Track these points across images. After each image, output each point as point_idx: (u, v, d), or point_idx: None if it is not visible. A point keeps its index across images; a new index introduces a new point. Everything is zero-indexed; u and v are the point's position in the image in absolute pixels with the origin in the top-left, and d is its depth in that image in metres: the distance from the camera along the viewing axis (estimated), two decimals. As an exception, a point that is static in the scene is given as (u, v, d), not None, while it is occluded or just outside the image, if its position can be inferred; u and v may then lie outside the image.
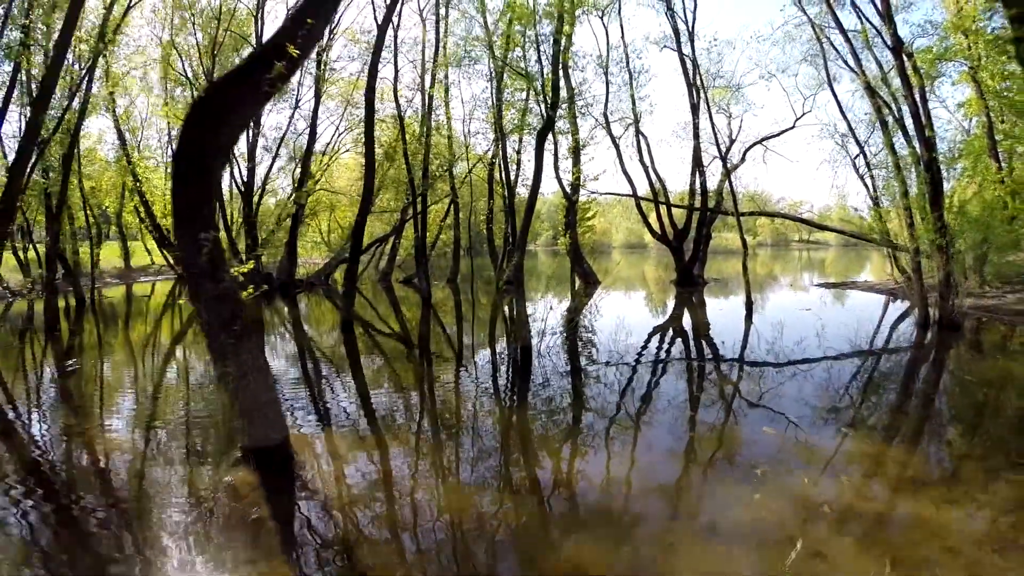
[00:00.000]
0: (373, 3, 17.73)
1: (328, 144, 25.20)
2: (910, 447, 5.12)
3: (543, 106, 13.18)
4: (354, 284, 11.30)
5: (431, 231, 22.65)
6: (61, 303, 16.53)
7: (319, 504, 3.93)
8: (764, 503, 3.83)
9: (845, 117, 17.51)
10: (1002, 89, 11.52)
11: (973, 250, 15.35)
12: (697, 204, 20.14)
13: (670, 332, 12.03)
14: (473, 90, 72.44)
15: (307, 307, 18.25)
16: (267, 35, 22.15)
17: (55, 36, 12.05)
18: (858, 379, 7.59)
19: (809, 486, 4.11)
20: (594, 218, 31.82)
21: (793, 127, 20.24)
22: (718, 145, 18.18)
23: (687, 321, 13.75)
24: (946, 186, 12.45)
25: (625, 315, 14.40)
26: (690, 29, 19.27)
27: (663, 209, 21.01)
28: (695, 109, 19.66)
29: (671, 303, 17.26)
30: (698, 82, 18.95)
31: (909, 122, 10.04)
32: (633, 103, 20.37)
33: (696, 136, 19.82)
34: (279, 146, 23.99)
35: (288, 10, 4.48)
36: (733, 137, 20.47)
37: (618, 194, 24.48)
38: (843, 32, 12.31)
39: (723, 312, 14.73)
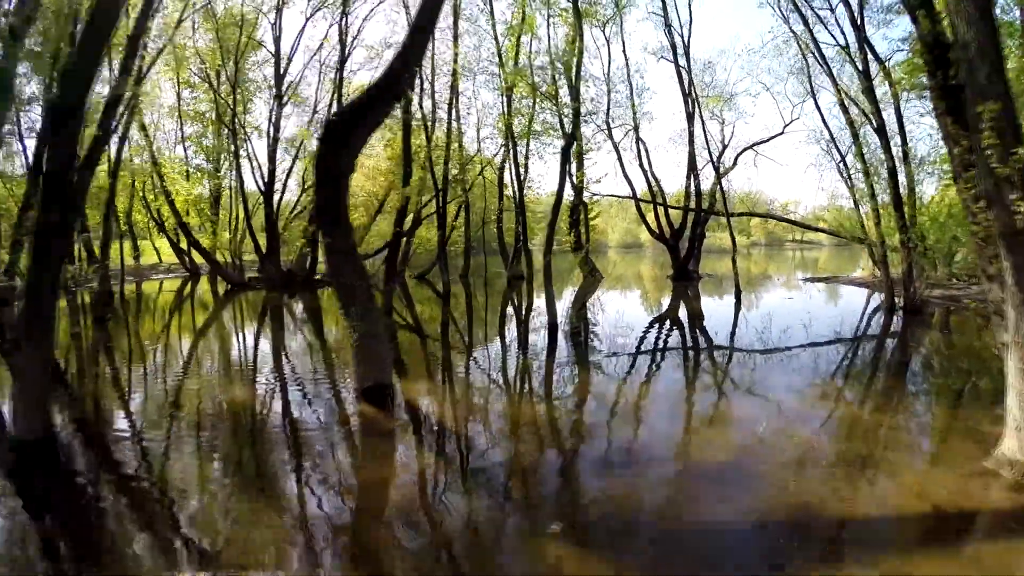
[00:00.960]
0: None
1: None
2: (854, 385, 6.68)
3: (561, 119, 14.79)
4: (393, 276, 12.81)
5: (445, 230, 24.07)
6: (86, 297, 17.86)
7: (415, 421, 5.51)
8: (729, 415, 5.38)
9: (827, 127, 19.11)
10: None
11: (940, 246, 17.03)
12: (692, 205, 21.74)
13: (667, 322, 13.61)
14: (483, 98, 73.89)
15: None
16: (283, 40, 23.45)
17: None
18: (832, 351, 9.17)
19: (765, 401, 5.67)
20: (596, 218, 33.39)
21: (782, 133, 21.85)
22: (709, 152, 19.80)
23: (683, 311, 15.34)
24: (931, 188, 14.06)
25: (630, 304, 15.97)
26: (685, 43, 20.91)
27: (660, 209, 22.59)
28: (690, 117, 21.27)
29: (669, 295, 18.84)
30: (693, 92, 20.57)
31: (872, 136, 11.67)
32: (633, 112, 21.96)
33: (691, 142, 21.46)
34: (298, 151, 25.37)
35: (394, 56, 5.92)
36: (726, 143, 22.09)
37: (619, 196, 26.05)
38: (820, 54, 13.92)
39: (716, 302, 16.33)
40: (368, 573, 3.08)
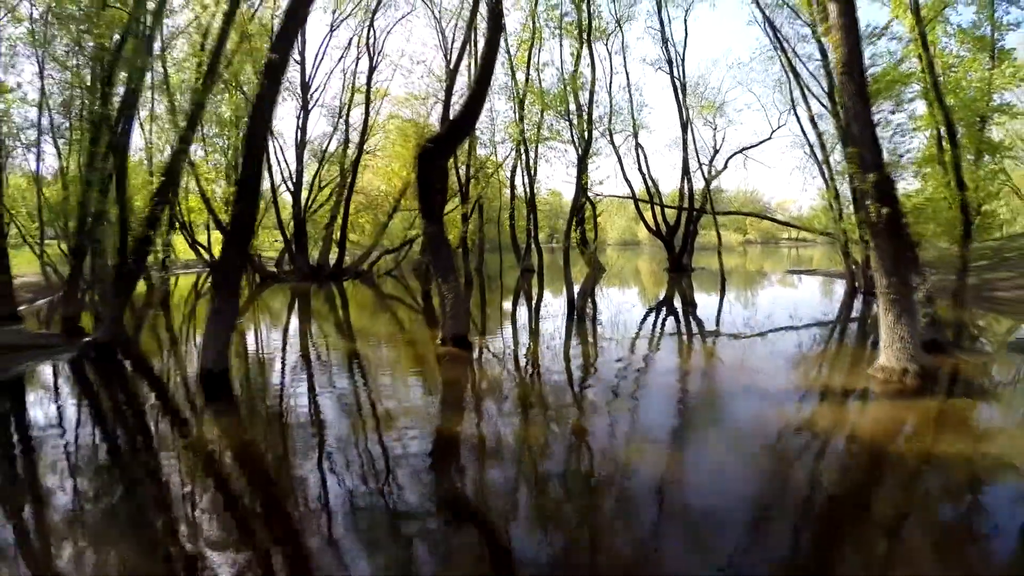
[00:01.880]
0: (447, 55, 21.36)
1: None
2: (803, 336, 8.98)
3: (572, 131, 17.09)
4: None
5: (460, 228, 26.31)
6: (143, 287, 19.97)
7: (486, 361, 7.78)
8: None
9: (807, 137, 21.50)
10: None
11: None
12: (686, 205, 24.08)
13: (666, 307, 15.95)
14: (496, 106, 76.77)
15: (374, 288, 21.88)
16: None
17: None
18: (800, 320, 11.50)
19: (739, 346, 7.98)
20: (599, 216, 35.72)
21: (770, 138, 24.26)
22: (697, 158, 22.11)
23: (681, 299, 17.69)
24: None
25: (634, 291, 18.28)
26: (681, 57, 23.29)
27: (657, 209, 24.91)
28: (684, 126, 23.63)
29: (666, 285, 21.20)
30: (687, 102, 22.89)
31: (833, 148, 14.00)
32: (633, 121, 24.26)
33: (685, 148, 23.81)
34: (324, 152, 27.51)
35: (463, 102, 8.16)
36: (717, 148, 24.48)
37: (620, 196, 28.39)
38: (795, 72, 16.22)
39: (706, 289, 18.70)
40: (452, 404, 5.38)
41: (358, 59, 25.80)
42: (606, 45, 24.99)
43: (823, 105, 15.12)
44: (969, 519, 3.39)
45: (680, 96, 23.51)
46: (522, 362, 7.82)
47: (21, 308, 11.91)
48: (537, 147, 25.38)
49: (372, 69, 24.04)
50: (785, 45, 15.88)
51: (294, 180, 26.53)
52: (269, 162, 26.75)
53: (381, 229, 27.22)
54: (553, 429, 4.99)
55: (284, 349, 9.22)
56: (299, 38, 24.95)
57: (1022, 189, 26.54)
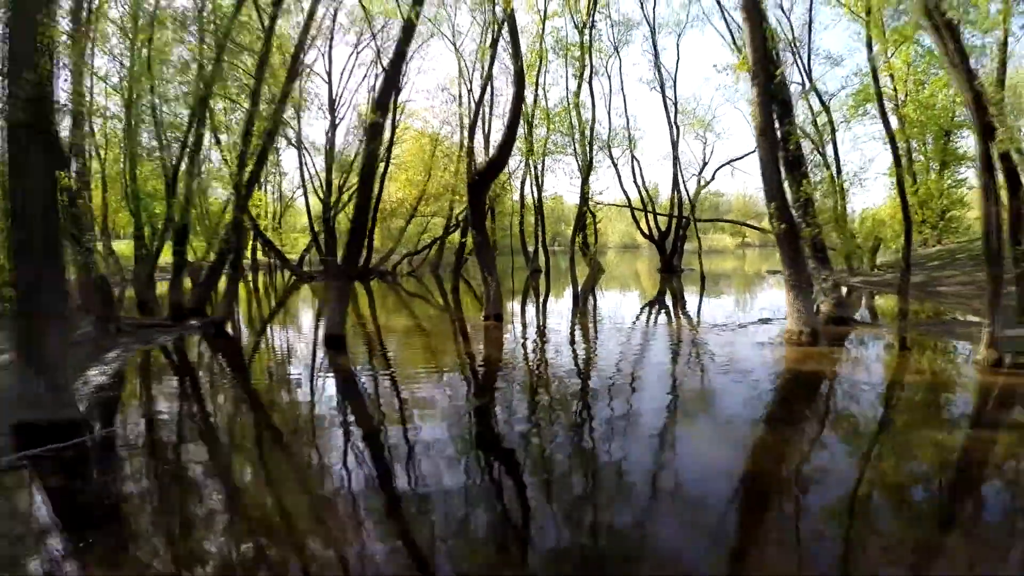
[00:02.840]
0: (469, 84, 24.54)
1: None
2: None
3: (575, 148, 20.16)
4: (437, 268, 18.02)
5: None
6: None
7: (516, 331, 10.78)
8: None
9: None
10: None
11: (868, 244, 22.44)
12: (675, 213, 27.13)
13: (657, 303, 18.98)
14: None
15: (399, 287, 24.88)
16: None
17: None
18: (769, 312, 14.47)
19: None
20: (600, 222, 38.75)
21: (754, 151, 27.26)
22: (682, 174, 25.11)
23: (668, 294, 20.72)
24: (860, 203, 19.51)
25: (629, 289, 21.29)
26: (674, 78, 26.37)
27: (651, 216, 27.94)
28: (675, 144, 26.70)
29: (657, 283, 24.25)
30: (677, 121, 25.99)
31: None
32: (630, 138, 27.34)
33: (675, 163, 26.88)
34: (352, 163, 30.48)
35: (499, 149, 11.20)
36: (706, 160, 27.57)
37: (618, 204, 31.39)
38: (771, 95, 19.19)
39: (689, 288, 21.73)
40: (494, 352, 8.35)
41: (377, 78, 28.72)
42: (605, 68, 28.16)
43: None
44: (794, 392, 6.40)
45: (671, 116, 26.60)
46: (539, 329, 10.88)
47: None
48: (544, 160, 28.52)
49: (397, 92, 27.01)
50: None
51: (324, 188, 29.50)
52: (302, 172, 29.92)
53: (400, 233, 30.21)
54: (561, 351, 8.03)
55: (363, 325, 12.18)
56: (327, 57, 27.99)
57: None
